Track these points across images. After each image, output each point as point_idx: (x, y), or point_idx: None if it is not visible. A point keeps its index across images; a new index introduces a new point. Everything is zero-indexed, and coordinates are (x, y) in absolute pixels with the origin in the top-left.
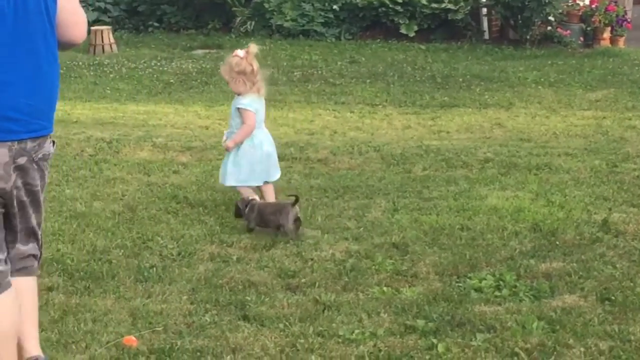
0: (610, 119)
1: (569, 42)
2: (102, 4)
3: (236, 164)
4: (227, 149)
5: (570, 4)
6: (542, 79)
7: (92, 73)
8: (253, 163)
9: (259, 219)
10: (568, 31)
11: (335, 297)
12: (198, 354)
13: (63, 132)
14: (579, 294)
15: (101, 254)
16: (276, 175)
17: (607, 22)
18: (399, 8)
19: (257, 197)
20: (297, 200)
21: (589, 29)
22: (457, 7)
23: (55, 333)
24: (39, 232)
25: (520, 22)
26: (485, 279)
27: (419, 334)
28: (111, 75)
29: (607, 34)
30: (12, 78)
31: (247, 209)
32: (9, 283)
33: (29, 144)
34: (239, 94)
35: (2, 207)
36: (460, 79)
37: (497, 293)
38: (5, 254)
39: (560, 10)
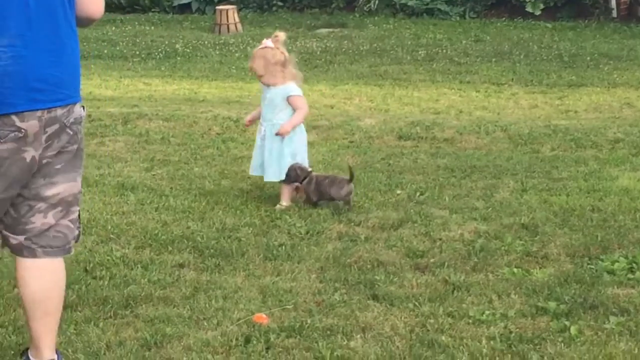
0: None
1: None
2: None
3: (293, 156)
4: (283, 135)
5: None
6: None
7: (217, 52)
8: (304, 152)
9: (317, 192)
10: None
11: (465, 277)
12: (328, 332)
13: (190, 110)
14: None
15: (230, 232)
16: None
17: None
18: None
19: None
20: (352, 178)
21: None
22: None
23: (187, 309)
24: (75, 207)
25: None
26: (618, 261)
27: (550, 316)
28: (236, 55)
29: None
30: (34, 51)
31: (305, 182)
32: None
33: (59, 111)
34: (273, 85)
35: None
36: (588, 58)
37: (630, 275)
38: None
39: None
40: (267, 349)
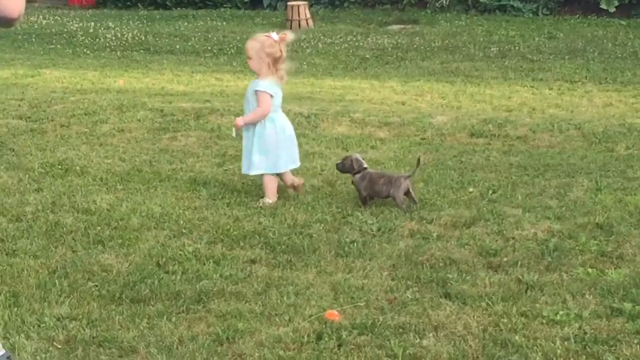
0: None
1: None
2: None
3: (262, 152)
4: (236, 127)
5: None
6: None
7: (288, 48)
8: (279, 148)
9: (370, 189)
10: None
11: (539, 277)
12: (400, 330)
13: None
14: None
15: (302, 228)
16: (298, 161)
17: None
18: None
19: (296, 180)
20: (412, 174)
21: None
22: None
23: (259, 305)
24: None
25: None
26: None
27: (625, 317)
28: (307, 50)
29: None
30: None
31: (358, 176)
32: None
33: None
34: (258, 74)
35: None
36: None
37: None
38: None
39: None
40: (339, 346)
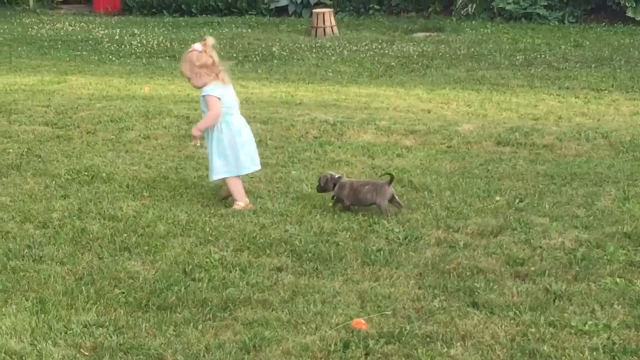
0: None
1: None
2: None
3: (221, 156)
4: (193, 139)
5: None
6: None
7: (314, 55)
8: (237, 151)
9: (353, 197)
10: None
11: (566, 286)
12: (427, 339)
13: (287, 113)
14: None
15: (328, 236)
16: (259, 164)
17: None
18: None
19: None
20: (392, 180)
21: None
22: None
23: (285, 313)
24: None
25: None
26: None
27: None
28: (333, 58)
29: None
30: None
31: (336, 188)
32: None
33: None
34: (204, 86)
35: None
36: None
37: None
38: None
39: None
40: (366, 355)
